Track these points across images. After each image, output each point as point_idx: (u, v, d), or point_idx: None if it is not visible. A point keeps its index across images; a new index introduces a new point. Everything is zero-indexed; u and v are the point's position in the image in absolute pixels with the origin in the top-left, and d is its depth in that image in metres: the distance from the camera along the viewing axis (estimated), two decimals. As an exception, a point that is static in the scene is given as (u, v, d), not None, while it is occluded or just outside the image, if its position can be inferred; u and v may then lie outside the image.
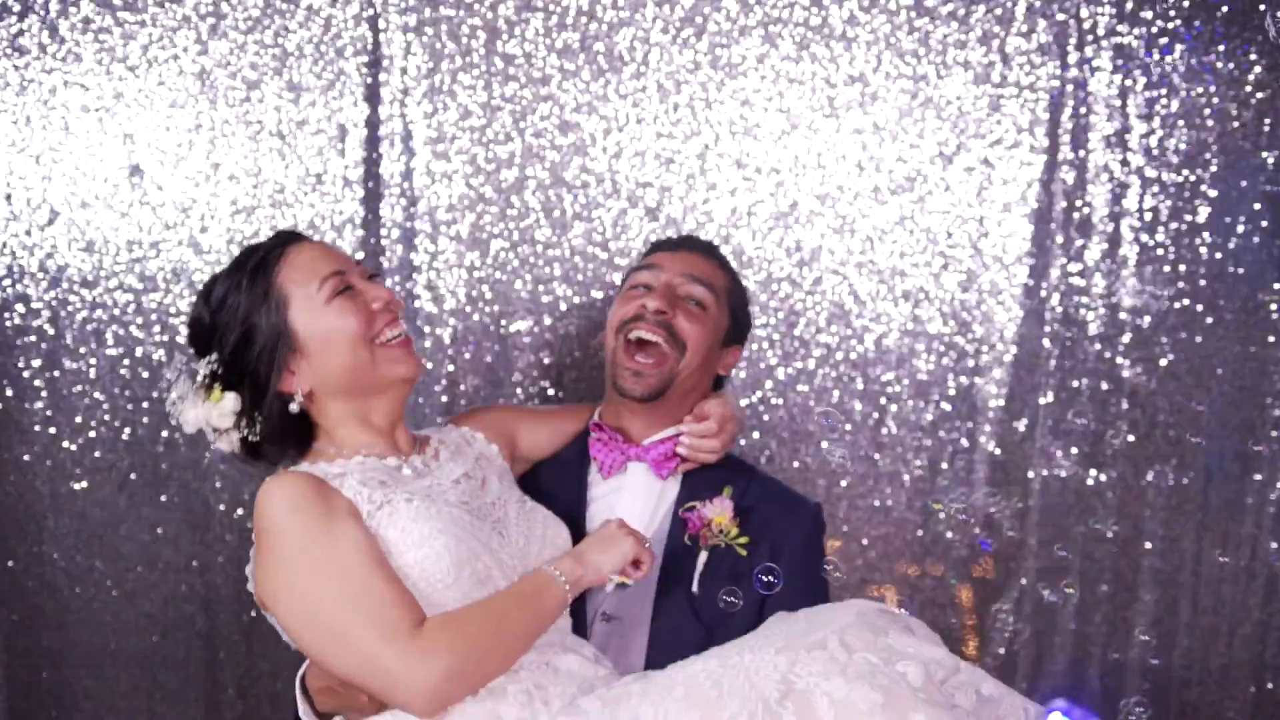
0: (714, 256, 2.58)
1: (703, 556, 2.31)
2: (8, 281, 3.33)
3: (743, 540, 2.32)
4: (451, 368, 3.37)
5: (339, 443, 2.15)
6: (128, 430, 3.37)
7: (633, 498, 2.39)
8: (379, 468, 2.12)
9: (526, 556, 2.17)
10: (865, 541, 3.41)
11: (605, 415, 2.51)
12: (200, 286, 2.21)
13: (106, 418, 3.36)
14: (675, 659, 1.93)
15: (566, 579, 2.07)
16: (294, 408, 2.10)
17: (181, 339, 3.34)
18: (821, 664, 1.72)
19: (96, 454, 3.37)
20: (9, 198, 3.33)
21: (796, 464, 3.40)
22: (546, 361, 3.38)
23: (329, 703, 2.10)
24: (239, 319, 2.08)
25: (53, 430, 3.36)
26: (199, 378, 2.10)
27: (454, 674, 1.88)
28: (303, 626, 1.97)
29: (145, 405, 3.36)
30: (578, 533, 2.34)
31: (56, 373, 3.34)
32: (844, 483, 3.40)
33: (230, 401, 2.09)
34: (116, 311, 3.34)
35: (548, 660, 2.03)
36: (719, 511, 2.31)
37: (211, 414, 2.09)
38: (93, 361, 3.34)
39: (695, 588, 2.31)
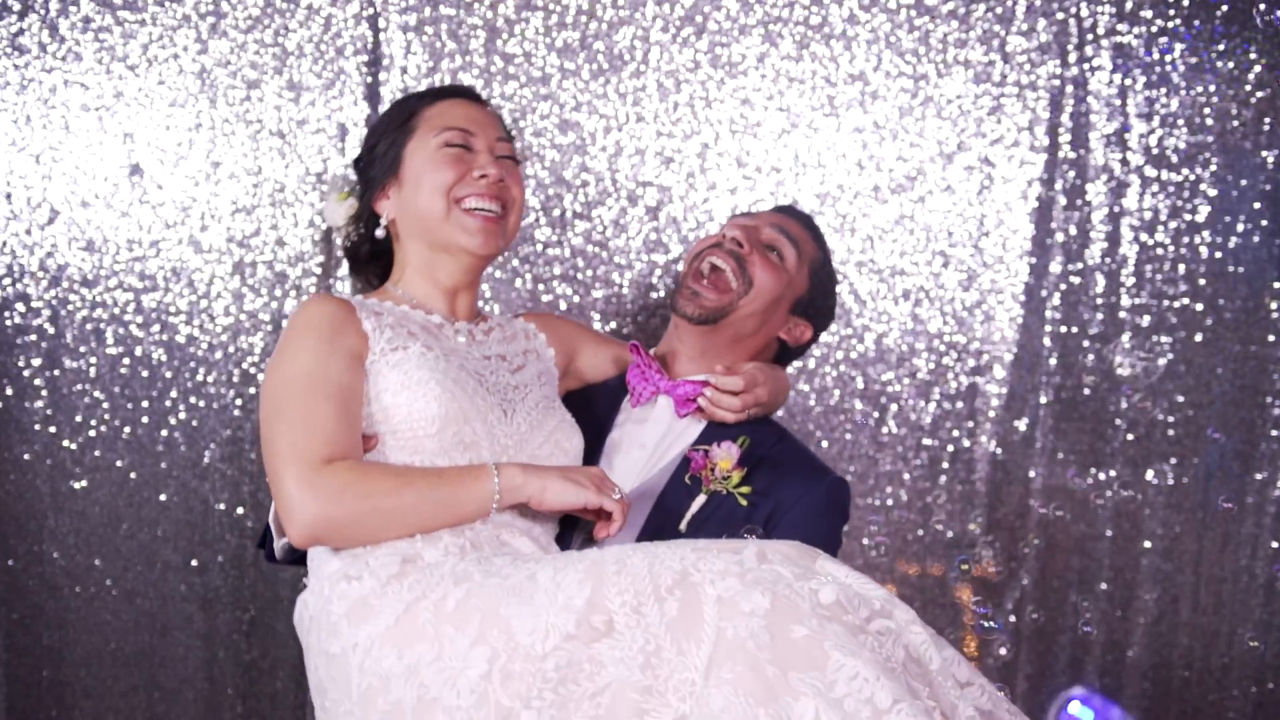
0: (810, 227, 2.53)
1: (700, 499, 2.27)
2: (8, 280, 3.33)
3: (745, 490, 2.25)
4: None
5: (403, 286, 2.22)
6: (128, 429, 3.37)
7: (651, 431, 2.35)
8: (421, 321, 2.16)
9: (526, 444, 2.14)
10: (866, 541, 3.40)
11: (658, 347, 2.48)
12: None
13: (106, 417, 3.36)
14: None
15: (503, 485, 2.00)
16: (379, 232, 2.21)
17: (181, 339, 3.34)
18: (724, 564, 1.71)
19: (96, 453, 3.37)
20: (9, 197, 3.33)
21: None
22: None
23: None
24: (376, 136, 2.24)
25: (53, 429, 3.36)
26: (345, 179, 2.31)
27: (331, 520, 1.89)
28: (261, 422, 2.00)
29: (145, 404, 3.36)
30: (591, 452, 2.32)
31: (56, 372, 3.34)
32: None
33: (348, 206, 2.27)
34: (116, 310, 3.34)
35: (499, 534, 2.02)
36: (724, 456, 2.26)
37: (335, 212, 2.27)
38: (93, 361, 3.34)
39: (683, 526, 2.27)
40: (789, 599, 1.65)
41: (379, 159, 2.22)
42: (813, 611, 1.65)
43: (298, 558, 2.17)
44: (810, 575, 1.70)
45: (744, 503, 2.26)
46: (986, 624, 2.81)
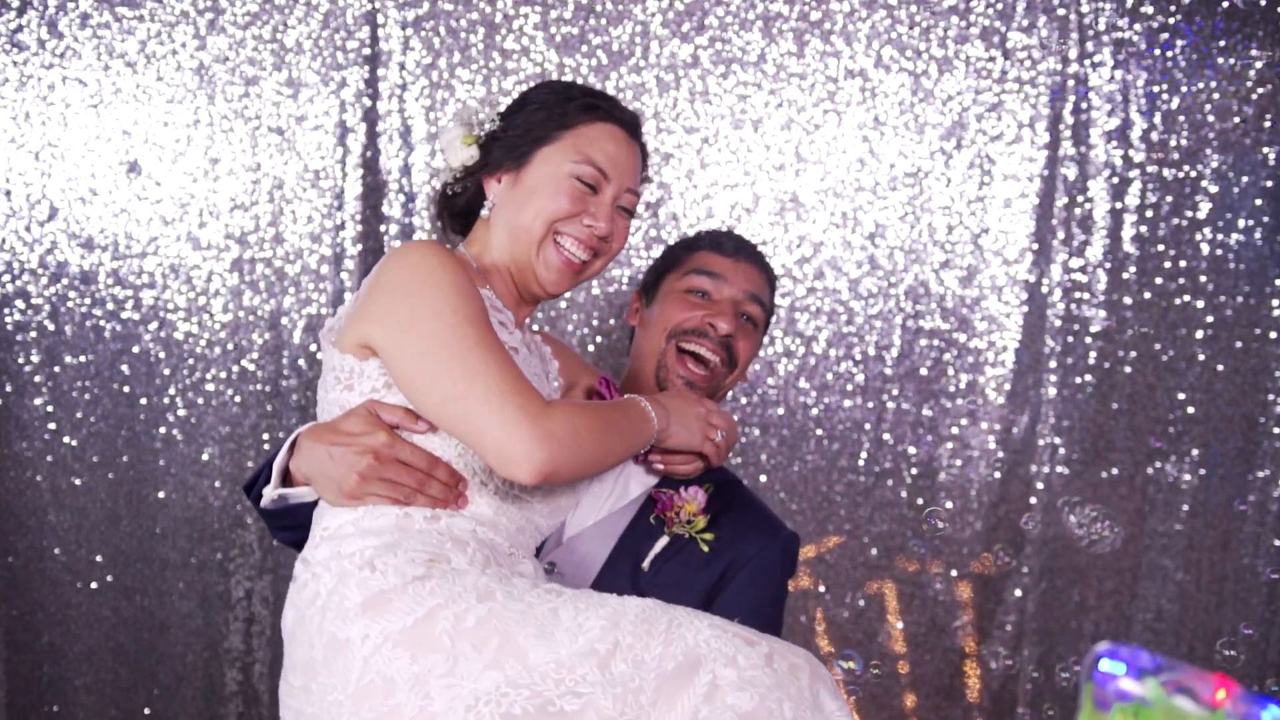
0: (766, 271, 2.55)
1: (663, 540, 2.30)
2: (7, 277, 3.34)
3: (707, 536, 2.31)
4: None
5: (484, 268, 2.16)
6: (127, 426, 3.37)
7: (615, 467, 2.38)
8: (499, 320, 2.12)
9: None
10: (866, 539, 3.40)
11: (624, 384, 2.50)
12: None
13: (106, 414, 3.36)
14: None
15: (658, 423, 2.11)
16: (484, 211, 2.15)
17: (179, 335, 3.34)
18: (733, 650, 1.76)
19: (96, 450, 3.37)
20: (8, 194, 3.34)
21: (795, 463, 3.39)
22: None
23: (310, 463, 2.04)
24: (522, 116, 2.16)
25: (52, 426, 3.37)
26: (478, 120, 2.18)
27: (562, 461, 1.88)
28: (430, 355, 1.90)
29: (144, 401, 3.36)
30: None
31: (56, 368, 3.35)
32: (844, 481, 3.39)
33: (469, 153, 2.17)
34: (114, 307, 3.34)
35: (514, 552, 2.04)
36: (690, 500, 2.30)
37: (453, 149, 2.18)
38: (92, 357, 3.35)
39: (645, 564, 2.29)
40: (770, 710, 1.70)
41: (512, 142, 2.15)
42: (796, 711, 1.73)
43: (285, 512, 2.13)
44: (801, 700, 1.75)
45: (705, 549, 2.31)
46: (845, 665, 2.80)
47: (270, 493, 2.07)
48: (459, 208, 2.23)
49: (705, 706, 1.70)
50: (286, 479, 2.09)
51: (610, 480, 2.36)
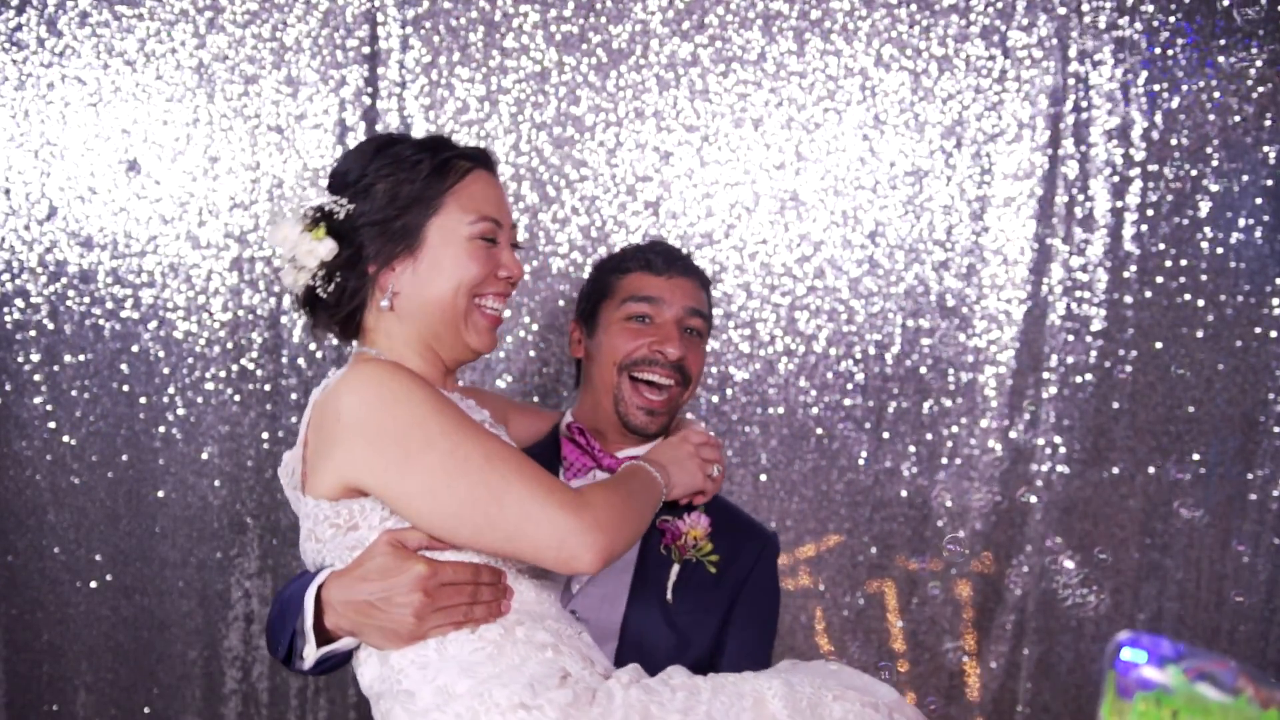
0: (701, 277, 2.55)
1: (675, 568, 2.31)
2: (6, 276, 3.33)
3: (714, 558, 2.35)
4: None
5: (396, 356, 2.02)
6: (126, 425, 3.37)
7: None
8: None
9: None
10: (866, 538, 3.40)
11: (581, 418, 2.49)
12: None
13: (105, 413, 3.36)
14: (648, 666, 1.97)
15: (662, 480, 2.13)
16: (383, 304, 2.00)
17: (179, 334, 3.34)
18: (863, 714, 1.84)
19: (95, 449, 3.37)
20: (7, 192, 3.33)
21: (795, 462, 3.39)
22: (545, 356, 3.37)
23: (351, 618, 1.92)
24: (390, 193, 2.00)
25: (52, 425, 3.36)
26: (315, 209, 2.01)
27: (615, 542, 1.88)
28: (443, 491, 1.83)
29: (144, 400, 3.36)
30: None
31: (55, 367, 3.34)
32: (844, 480, 3.39)
33: (327, 247, 1.99)
34: (113, 306, 3.34)
35: (580, 633, 2.02)
36: (695, 525, 2.32)
37: (302, 245, 1.99)
38: (91, 356, 3.34)
39: (669, 597, 2.31)
40: None
41: (389, 225, 1.99)
42: None
43: (332, 666, 2.02)
44: None
45: (712, 570, 2.35)
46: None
47: (312, 656, 1.95)
48: (347, 310, 2.04)
49: None
50: (320, 631, 1.96)
51: None
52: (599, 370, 2.45)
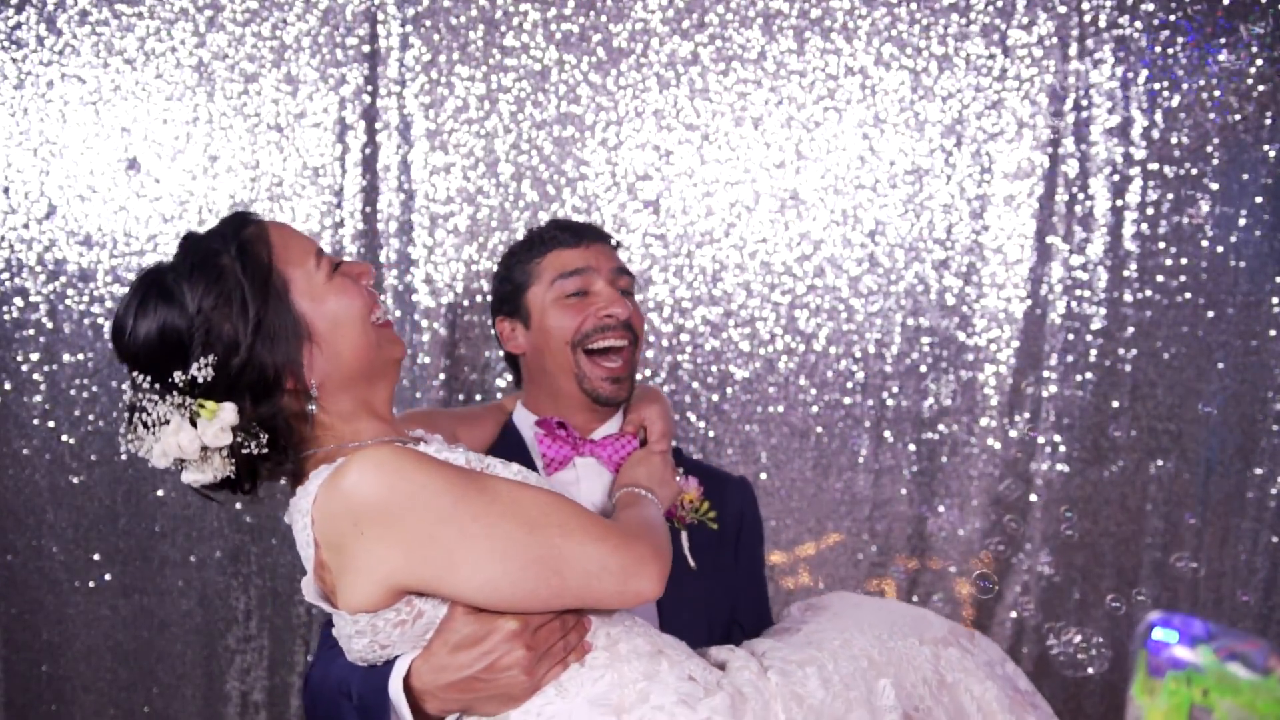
0: (609, 237, 2.52)
1: (684, 535, 2.32)
2: (6, 275, 3.33)
3: (712, 515, 2.36)
4: (448, 361, 3.36)
5: (353, 438, 1.86)
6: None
7: (590, 488, 2.37)
8: (424, 439, 1.97)
9: None
10: (865, 536, 3.40)
11: (543, 411, 2.45)
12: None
13: (104, 411, 3.36)
14: (689, 639, 1.95)
15: (656, 500, 2.12)
16: (312, 407, 1.81)
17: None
18: (959, 661, 1.89)
19: (94, 448, 3.36)
20: (7, 191, 3.33)
21: (796, 461, 3.39)
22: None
23: (456, 698, 1.80)
24: (236, 313, 1.75)
25: (51, 424, 3.36)
26: (179, 397, 1.74)
27: (664, 557, 1.83)
28: (501, 580, 1.71)
29: (143, 399, 3.35)
30: None
31: (55, 366, 3.34)
32: (844, 478, 3.39)
33: (228, 413, 1.74)
34: (113, 305, 3.33)
35: (646, 624, 1.99)
36: (691, 490, 2.33)
37: (206, 433, 1.73)
38: (90, 355, 3.34)
39: (692, 564, 2.31)
40: (1009, 690, 1.90)
41: (271, 332, 1.77)
42: (1024, 698, 1.94)
43: None
44: (994, 660, 1.99)
45: (714, 526, 2.35)
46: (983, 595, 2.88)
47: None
48: (284, 445, 1.83)
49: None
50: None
51: (599, 503, 2.34)
52: (551, 356, 2.40)
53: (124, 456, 1.81)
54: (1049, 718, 1.94)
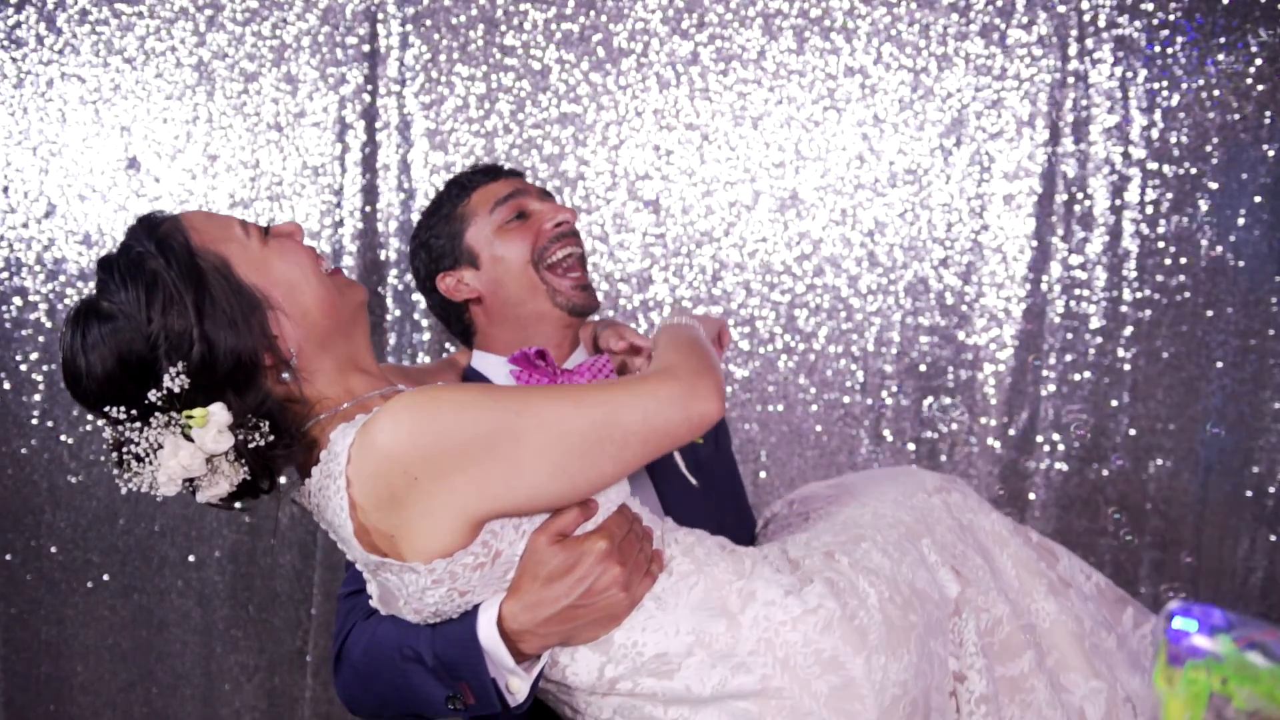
0: (520, 173, 2.47)
1: (678, 457, 2.28)
2: (5, 274, 3.32)
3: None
4: (450, 361, 3.36)
5: (348, 396, 1.75)
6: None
7: None
8: (408, 377, 1.94)
9: None
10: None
11: (512, 349, 2.32)
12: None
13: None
14: None
15: (688, 322, 2.03)
16: (287, 376, 1.70)
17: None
18: (962, 503, 1.99)
19: (93, 448, 3.36)
20: (6, 190, 3.32)
21: (795, 460, 3.39)
22: (545, 354, 3.38)
23: (557, 631, 1.74)
24: (188, 309, 1.65)
25: (50, 424, 3.35)
26: (161, 414, 1.63)
27: (709, 374, 1.76)
28: (559, 455, 1.65)
29: (143, 398, 3.35)
30: None
31: (54, 366, 3.33)
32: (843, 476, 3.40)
33: (220, 413, 1.64)
34: (114, 304, 3.33)
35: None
36: None
37: (205, 441, 1.63)
38: (90, 354, 3.33)
39: (694, 481, 2.28)
40: (1017, 528, 2.03)
41: (236, 318, 1.67)
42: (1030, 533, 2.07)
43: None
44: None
45: (700, 441, 2.27)
46: None
47: (523, 688, 1.76)
48: (294, 422, 1.74)
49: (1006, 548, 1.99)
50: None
51: None
52: (515, 283, 2.30)
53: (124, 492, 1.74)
54: (1038, 536, 2.04)
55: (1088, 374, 3.38)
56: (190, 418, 1.62)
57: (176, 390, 1.61)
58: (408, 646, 1.79)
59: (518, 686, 1.76)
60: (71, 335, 1.68)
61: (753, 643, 1.71)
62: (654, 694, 1.75)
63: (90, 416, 3.35)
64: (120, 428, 1.62)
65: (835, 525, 1.93)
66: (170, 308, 1.65)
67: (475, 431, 1.62)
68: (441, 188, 2.42)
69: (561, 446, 1.66)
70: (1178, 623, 1.10)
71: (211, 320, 1.65)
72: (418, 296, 3.34)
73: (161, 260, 1.68)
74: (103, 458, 3.37)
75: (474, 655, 1.74)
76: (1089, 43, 3.33)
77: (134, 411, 1.62)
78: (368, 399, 1.75)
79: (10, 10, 3.28)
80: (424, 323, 3.35)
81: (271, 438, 1.68)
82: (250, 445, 1.66)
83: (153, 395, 1.61)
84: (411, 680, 1.79)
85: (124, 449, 1.63)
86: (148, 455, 1.63)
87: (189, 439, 1.63)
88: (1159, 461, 3.38)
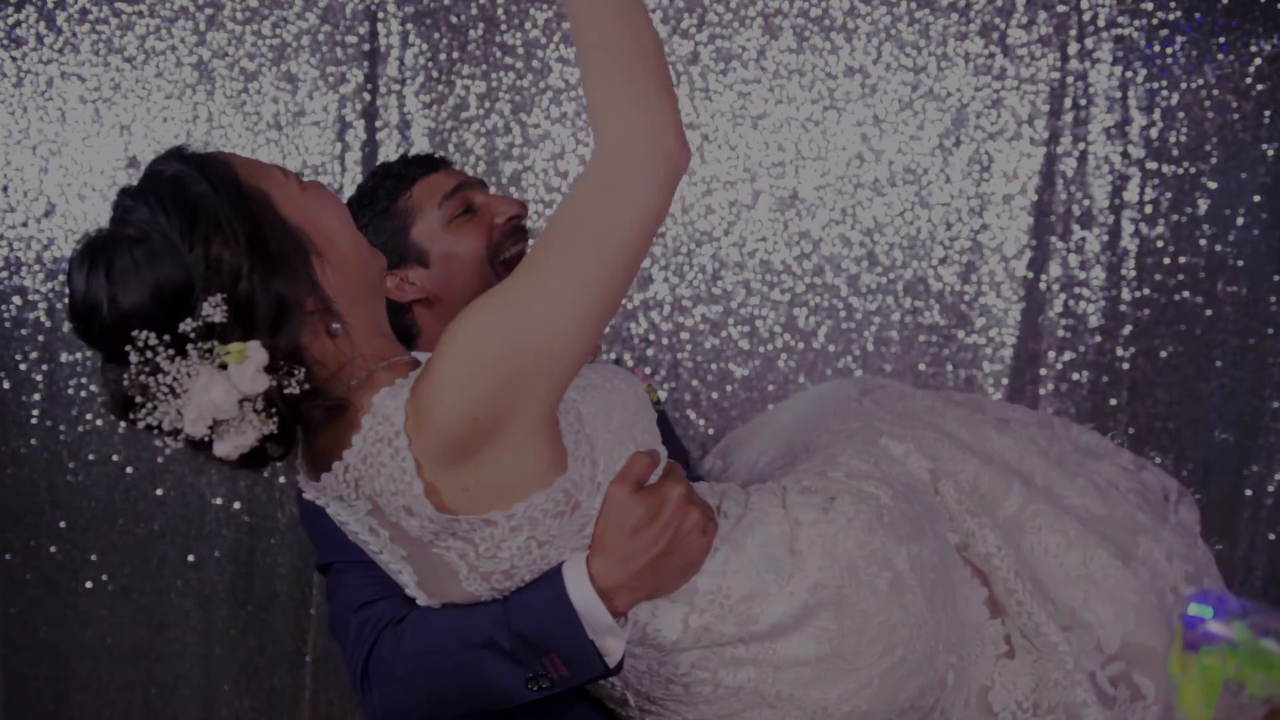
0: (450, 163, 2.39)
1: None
2: (5, 274, 3.32)
3: (658, 399, 2.24)
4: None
5: (377, 359, 1.66)
6: (124, 423, 3.35)
7: None
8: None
9: None
10: (864, 534, 3.40)
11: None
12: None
13: (103, 411, 3.35)
14: None
15: None
16: (337, 325, 1.60)
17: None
18: (883, 391, 2.11)
19: (93, 447, 3.36)
20: (5, 189, 3.32)
21: (796, 457, 3.40)
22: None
23: (649, 583, 1.69)
24: (231, 238, 1.54)
25: (49, 423, 3.35)
26: (199, 342, 1.49)
27: (666, 95, 1.57)
28: (578, 289, 1.56)
29: (142, 398, 3.34)
30: None
31: (53, 365, 3.33)
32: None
33: (258, 352, 1.51)
34: (114, 303, 3.32)
35: None
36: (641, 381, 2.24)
37: (242, 380, 1.50)
38: (89, 354, 3.33)
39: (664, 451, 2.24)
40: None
41: (278, 246, 1.57)
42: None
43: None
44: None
45: (660, 408, 2.22)
46: None
47: (618, 648, 1.68)
48: (335, 368, 1.62)
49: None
50: None
51: None
52: (469, 278, 2.20)
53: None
54: (960, 395, 2.15)
55: (1086, 373, 3.38)
56: (228, 352, 1.50)
57: (217, 320, 1.49)
58: (474, 633, 1.68)
59: (613, 646, 1.67)
60: (89, 269, 1.54)
61: (819, 559, 1.70)
62: (738, 637, 1.71)
63: (89, 416, 3.35)
64: (147, 356, 1.48)
65: (802, 453, 1.94)
66: (215, 235, 1.53)
67: (515, 349, 1.53)
68: (364, 178, 2.32)
69: (583, 308, 1.56)
70: (1193, 609, 1.11)
71: (261, 254, 1.55)
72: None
73: (207, 184, 1.57)
74: (99, 455, 3.36)
75: (568, 619, 1.65)
76: (1089, 42, 3.33)
77: (167, 337, 1.49)
78: (398, 362, 1.67)
79: (10, 9, 3.27)
80: (424, 322, 3.35)
81: (308, 385, 1.56)
82: (286, 391, 1.54)
83: (186, 324, 1.48)
84: (481, 669, 1.69)
85: (152, 377, 1.49)
86: (177, 387, 1.49)
87: (221, 375, 1.50)
88: (1157, 461, 3.38)
